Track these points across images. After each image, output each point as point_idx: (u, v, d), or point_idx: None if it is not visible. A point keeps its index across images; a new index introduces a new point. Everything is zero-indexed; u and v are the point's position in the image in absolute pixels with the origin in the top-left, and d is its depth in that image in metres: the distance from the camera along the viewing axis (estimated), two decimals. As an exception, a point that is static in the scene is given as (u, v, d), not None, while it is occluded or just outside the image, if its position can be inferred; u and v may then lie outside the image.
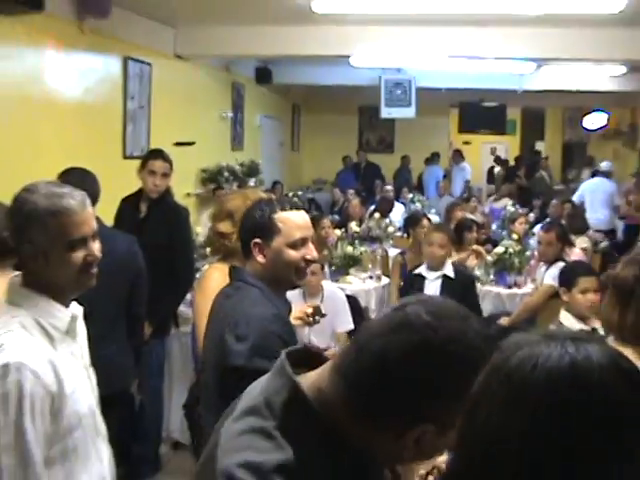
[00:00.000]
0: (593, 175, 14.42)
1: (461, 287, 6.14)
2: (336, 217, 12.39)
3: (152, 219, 5.86)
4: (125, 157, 8.45)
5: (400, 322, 1.49)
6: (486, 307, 7.34)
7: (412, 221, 8.43)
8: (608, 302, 3.04)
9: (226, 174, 11.28)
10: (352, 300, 6.59)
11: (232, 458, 1.52)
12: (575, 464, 1.15)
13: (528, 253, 8.24)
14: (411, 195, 13.79)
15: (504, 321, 6.95)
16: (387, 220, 10.10)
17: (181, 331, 6.19)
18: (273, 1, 8.11)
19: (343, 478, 1.55)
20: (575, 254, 8.12)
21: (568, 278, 5.03)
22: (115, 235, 4.67)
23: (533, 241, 8.78)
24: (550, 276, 6.99)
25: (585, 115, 19.38)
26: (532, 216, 11.76)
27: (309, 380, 1.58)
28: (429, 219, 8.69)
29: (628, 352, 2.56)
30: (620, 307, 2.91)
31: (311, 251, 2.93)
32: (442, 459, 1.96)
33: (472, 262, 7.74)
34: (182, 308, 6.15)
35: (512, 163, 19.16)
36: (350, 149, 18.06)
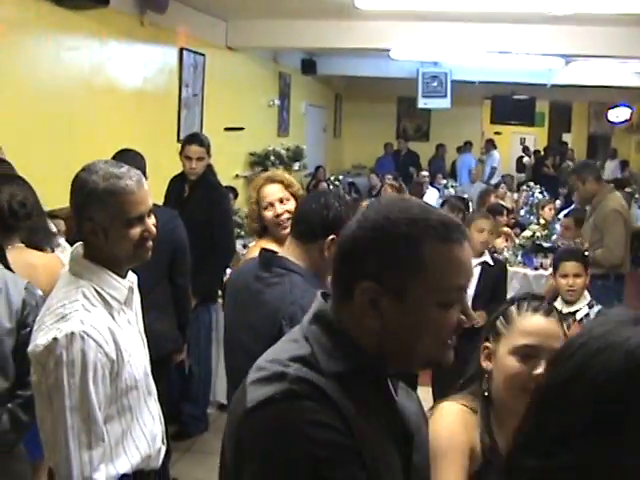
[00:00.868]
0: None
1: (497, 273, 5.89)
2: (373, 201, 12.33)
3: (194, 197, 5.89)
4: (179, 141, 8.51)
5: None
6: (514, 287, 7.30)
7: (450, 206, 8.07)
8: None
9: (272, 158, 11.32)
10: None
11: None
12: None
13: (554, 237, 8.20)
14: (445, 181, 13.75)
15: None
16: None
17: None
18: (319, -3, 8.13)
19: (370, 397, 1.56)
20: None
21: (554, 263, 5.02)
22: (158, 210, 4.71)
23: (559, 226, 8.73)
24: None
25: (610, 109, 19.16)
26: (558, 203, 11.66)
27: None
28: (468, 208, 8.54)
29: None
30: None
31: None
32: None
33: (501, 244, 7.71)
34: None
35: (541, 154, 19.02)
36: (388, 136, 18.00)
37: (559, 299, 4.77)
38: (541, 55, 10.40)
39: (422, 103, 13.59)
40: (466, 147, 17.04)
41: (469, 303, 5.20)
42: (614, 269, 6.52)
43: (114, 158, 4.29)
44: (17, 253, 3.57)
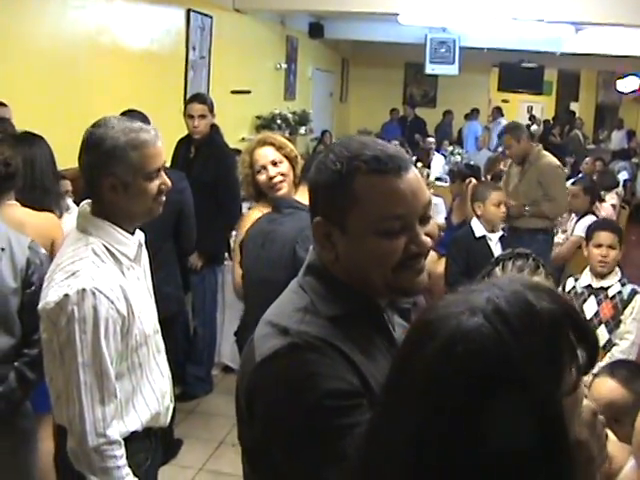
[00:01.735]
0: None
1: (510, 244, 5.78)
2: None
3: (200, 158, 5.89)
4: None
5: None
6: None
7: (459, 175, 7.84)
8: None
9: (279, 121, 11.31)
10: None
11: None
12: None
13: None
14: (451, 148, 13.71)
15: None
16: (428, 170, 10.08)
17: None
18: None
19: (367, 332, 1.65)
20: (605, 209, 8.09)
21: (588, 232, 4.93)
22: (165, 171, 4.71)
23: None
24: (579, 228, 6.99)
25: (619, 79, 19.07)
26: (565, 172, 11.64)
27: None
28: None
29: None
30: None
31: None
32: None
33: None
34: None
35: (549, 122, 18.96)
36: (395, 102, 17.91)
37: (587, 272, 4.68)
38: (551, 23, 10.32)
39: (430, 69, 13.53)
40: (473, 114, 16.97)
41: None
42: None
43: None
44: (8, 210, 3.58)
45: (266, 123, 11.13)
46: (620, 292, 4.52)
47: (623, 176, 13.67)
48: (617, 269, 4.69)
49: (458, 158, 12.57)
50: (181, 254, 5.02)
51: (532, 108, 20.73)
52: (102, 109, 5.96)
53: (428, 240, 1.62)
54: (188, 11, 8.55)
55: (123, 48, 7.26)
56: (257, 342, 1.62)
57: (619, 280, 4.61)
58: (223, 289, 6.19)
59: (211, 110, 5.87)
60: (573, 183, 7.69)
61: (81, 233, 2.51)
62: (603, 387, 2.57)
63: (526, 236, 6.49)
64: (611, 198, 9.07)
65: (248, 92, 10.27)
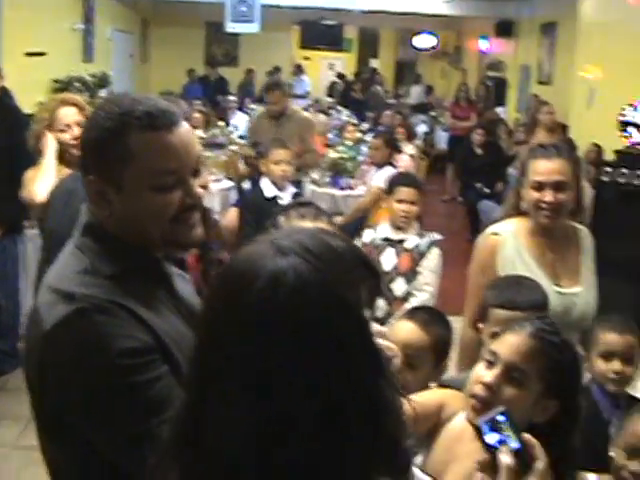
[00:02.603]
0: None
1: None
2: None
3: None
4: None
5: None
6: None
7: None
8: None
9: (77, 85, 10.98)
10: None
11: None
12: None
13: (361, 158, 8.46)
14: (254, 106, 13.79)
15: (339, 220, 7.12)
16: (230, 128, 10.13)
17: (35, 233, 6.10)
18: None
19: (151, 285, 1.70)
20: (403, 160, 8.41)
21: (390, 186, 4.90)
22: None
23: (365, 148, 9.00)
24: (378, 178, 7.24)
25: (415, 36, 19.74)
26: (366, 126, 12.00)
27: None
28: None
29: None
30: None
31: None
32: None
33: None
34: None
35: (352, 78, 19.38)
36: (197, 62, 17.84)
37: (385, 224, 4.70)
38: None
39: (230, 28, 13.52)
40: (276, 72, 17.13)
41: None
42: None
43: None
44: None
45: (63, 86, 10.75)
46: (418, 245, 4.55)
47: (422, 129, 14.21)
48: (415, 223, 4.72)
49: (262, 116, 12.67)
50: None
51: (334, 65, 21.14)
52: None
53: (201, 191, 1.68)
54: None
55: None
56: (42, 310, 1.59)
57: (417, 233, 4.65)
58: (25, 259, 6.03)
59: None
60: (374, 137, 7.96)
61: None
62: (402, 329, 2.64)
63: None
64: (410, 150, 9.43)
65: (43, 54, 9.93)
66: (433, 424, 2.07)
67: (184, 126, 1.65)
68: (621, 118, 7.26)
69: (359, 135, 9.82)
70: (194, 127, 10.20)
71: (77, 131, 3.85)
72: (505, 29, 15.12)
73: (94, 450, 1.55)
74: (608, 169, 7.25)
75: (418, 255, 4.50)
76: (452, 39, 19.50)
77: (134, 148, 1.58)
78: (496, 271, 2.99)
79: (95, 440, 1.55)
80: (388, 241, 4.56)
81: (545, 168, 2.95)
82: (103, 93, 11.79)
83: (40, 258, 3.64)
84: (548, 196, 2.91)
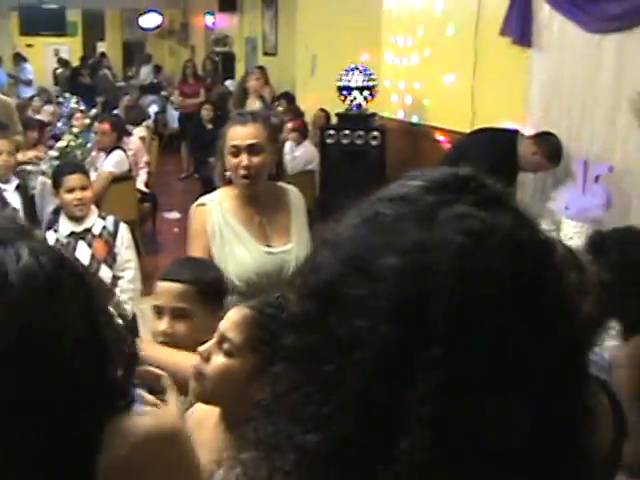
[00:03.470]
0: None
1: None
2: None
3: None
4: None
5: None
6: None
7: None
8: None
9: None
10: None
11: None
12: None
13: (89, 145, 8.35)
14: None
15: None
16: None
17: None
18: None
19: None
20: (132, 142, 8.41)
21: (56, 179, 4.73)
22: None
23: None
24: (108, 163, 7.23)
25: (141, 15, 19.58)
26: (94, 111, 11.79)
27: None
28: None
29: None
30: None
31: None
32: None
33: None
34: None
35: (77, 64, 18.87)
36: None
37: (63, 219, 4.58)
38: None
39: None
40: (-4, 63, 16.42)
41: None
42: None
43: None
44: None
45: None
46: (104, 227, 4.54)
47: (154, 109, 14.15)
48: (92, 207, 4.68)
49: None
50: None
51: (59, 51, 20.54)
52: None
53: None
54: None
55: None
56: None
57: (98, 215, 4.62)
58: None
59: None
60: (99, 121, 7.87)
61: None
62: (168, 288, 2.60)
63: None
64: (140, 132, 9.42)
65: None
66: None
67: None
68: (338, 83, 7.68)
69: (88, 121, 9.65)
70: None
71: None
72: (229, 4, 15.26)
73: None
74: (332, 132, 7.66)
75: (110, 237, 4.54)
76: (178, 17, 19.47)
77: None
78: (208, 239, 3.12)
79: None
80: (75, 235, 4.52)
81: (239, 133, 3.11)
82: None
83: None
84: (244, 160, 3.07)
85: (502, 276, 0.78)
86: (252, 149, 3.08)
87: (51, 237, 4.48)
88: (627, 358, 2.68)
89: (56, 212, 4.70)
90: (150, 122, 11.86)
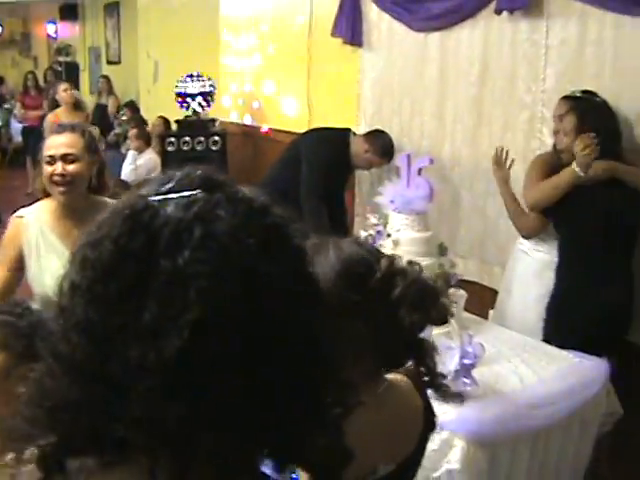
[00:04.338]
0: None
1: None
2: None
3: None
4: None
5: None
6: None
7: None
8: None
9: None
10: None
11: None
12: None
13: None
14: None
15: None
16: None
17: None
18: None
19: None
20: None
21: None
22: None
23: None
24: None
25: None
26: None
27: None
28: None
29: None
30: None
31: None
32: None
33: None
34: None
35: None
36: None
37: None
38: None
39: None
40: None
41: None
42: None
43: None
44: None
45: None
46: None
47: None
48: None
49: None
50: None
51: None
52: None
53: None
54: None
55: None
56: None
57: None
58: None
59: None
60: None
61: None
62: None
63: None
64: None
65: None
66: None
67: None
68: (176, 90, 7.70)
69: None
70: None
71: None
72: (70, 12, 15.05)
73: None
74: (172, 139, 7.65)
75: None
76: (19, 26, 19.00)
77: None
78: (17, 251, 3.15)
79: None
80: None
81: (55, 142, 3.13)
82: None
83: None
84: (58, 168, 3.08)
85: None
86: (67, 158, 3.09)
87: None
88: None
89: None
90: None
